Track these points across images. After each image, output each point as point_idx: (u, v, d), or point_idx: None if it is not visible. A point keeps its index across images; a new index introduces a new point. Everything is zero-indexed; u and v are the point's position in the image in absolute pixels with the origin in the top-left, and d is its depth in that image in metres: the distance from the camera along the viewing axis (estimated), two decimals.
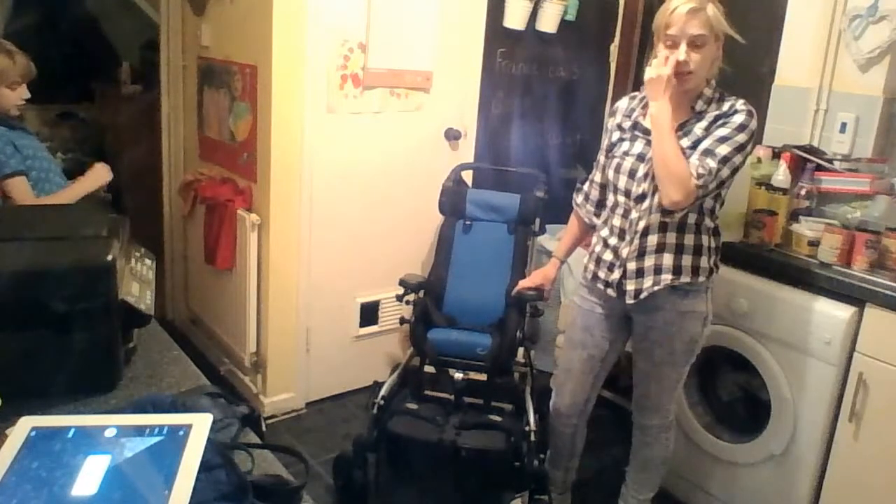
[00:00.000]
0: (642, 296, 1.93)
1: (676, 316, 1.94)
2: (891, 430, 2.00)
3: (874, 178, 2.25)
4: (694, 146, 1.83)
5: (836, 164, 2.38)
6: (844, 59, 2.50)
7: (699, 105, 1.87)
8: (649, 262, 1.92)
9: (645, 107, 1.96)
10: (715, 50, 1.84)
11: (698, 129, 1.85)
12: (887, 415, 2.00)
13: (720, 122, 1.83)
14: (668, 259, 1.91)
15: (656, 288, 1.91)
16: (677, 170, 1.77)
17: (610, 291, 2.00)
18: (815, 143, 2.54)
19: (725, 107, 1.85)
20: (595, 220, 2.16)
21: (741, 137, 1.80)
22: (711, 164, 1.78)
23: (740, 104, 1.84)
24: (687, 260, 1.91)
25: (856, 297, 2.03)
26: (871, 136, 2.44)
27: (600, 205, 2.13)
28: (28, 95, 2.35)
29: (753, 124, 1.82)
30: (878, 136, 2.44)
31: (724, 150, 1.78)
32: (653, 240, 1.91)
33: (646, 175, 1.89)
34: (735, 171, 1.81)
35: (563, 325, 2.99)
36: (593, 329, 2.10)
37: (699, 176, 1.77)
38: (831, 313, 2.06)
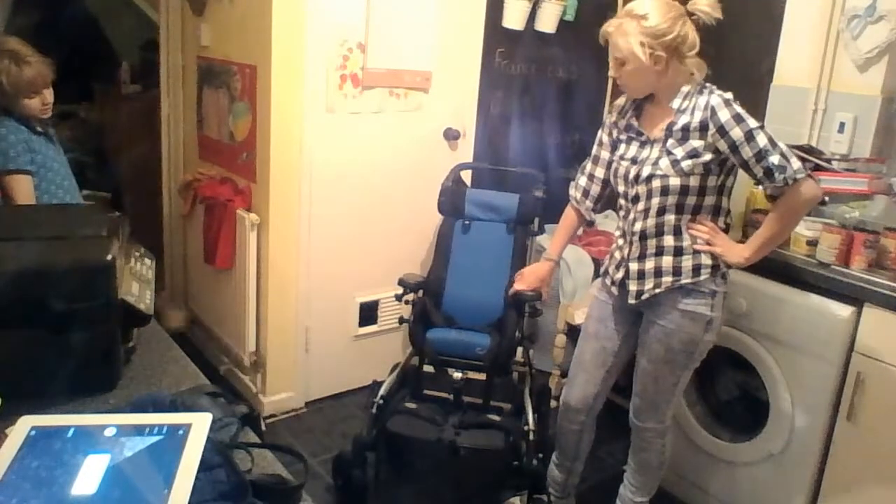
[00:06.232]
0: (644, 297, 1.98)
1: (676, 314, 1.95)
2: (889, 429, 2.00)
3: (872, 177, 2.25)
4: (690, 156, 1.84)
5: (835, 164, 2.38)
6: (843, 59, 2.50)
7: (676, 103, 1.88)
8: (649, 264, 1.96)
9: (637, 108, 2.00)
10: (646, 65, 1.83)
11: (691, 134, 1.84)
12: (885, 414, 2.00)
13: (718, 130, 1.81)
14: (667, 261, 1.94)
15: (657, 291, 1.95)
16: (803, 212, 1.91)
17: (613, 289, 2.07)
18: (814, 143, 2.54)
19: (702, 102, 1.84)
20: (593, 215, 2.23)
21: (749, 121, 1.80)
22: (773, 159, 1.79)
23: (715, 99, 1.83)
24: (687, 261, 1.93)
25: (854, 296, 2.04)
26: (869, 136, 2.44)
27: (598, 200, 2.18)
28: (51, 99, 2.24)
29: (736, 104, 1.83)
30: (877, 135, 2.44)
31: (761, 140, 1.79)
32: (651, 243, 1.95)
33: (637, 178, 1.92)
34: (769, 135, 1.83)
35: (561, 324, 2.99)
36: (607, 321, 2.13)
37: (785, 175, 1.79)
38: (830, 313, 2.07)
